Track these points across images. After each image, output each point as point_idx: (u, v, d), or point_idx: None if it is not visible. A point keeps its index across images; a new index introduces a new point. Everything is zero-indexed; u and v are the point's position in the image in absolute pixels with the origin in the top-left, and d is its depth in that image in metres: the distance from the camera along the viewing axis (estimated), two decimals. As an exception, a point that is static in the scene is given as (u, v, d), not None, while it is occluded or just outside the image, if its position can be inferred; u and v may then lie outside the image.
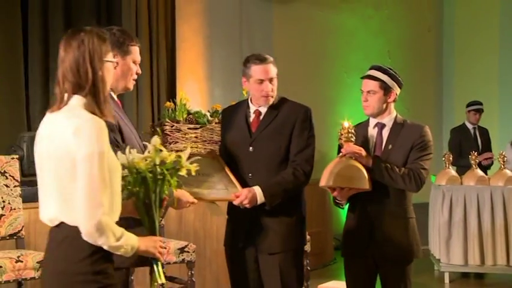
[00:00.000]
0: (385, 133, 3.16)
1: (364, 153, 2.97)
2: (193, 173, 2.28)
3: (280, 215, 3.00)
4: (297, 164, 3.02)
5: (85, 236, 2.00)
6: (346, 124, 2.98)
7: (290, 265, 3.04)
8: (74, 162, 2.00)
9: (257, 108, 3.05)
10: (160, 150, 2.21)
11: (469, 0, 9.06)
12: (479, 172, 6.02)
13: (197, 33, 7.39)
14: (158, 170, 2.17)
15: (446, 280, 5.86)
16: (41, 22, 6.79)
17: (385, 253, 3.08)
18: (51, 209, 2.07)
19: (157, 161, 2.17)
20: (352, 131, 2.98)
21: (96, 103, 2.06)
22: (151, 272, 2.23)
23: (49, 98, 7.35)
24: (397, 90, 3.21)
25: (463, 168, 6.31)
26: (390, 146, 3.12)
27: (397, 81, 3.21)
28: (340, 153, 2.99)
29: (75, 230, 2.01)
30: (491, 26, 8.76)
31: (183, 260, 4.25)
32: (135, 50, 2.69)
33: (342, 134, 2.99)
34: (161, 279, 2.23)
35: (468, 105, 6.99)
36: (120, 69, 2.64)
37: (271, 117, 3.02)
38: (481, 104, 6.95)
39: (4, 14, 6.54)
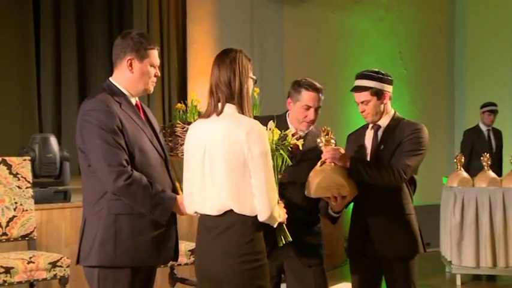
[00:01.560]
0: (380, 134, 3.15)
1: (341, 151, 2.93)
2: (300, 148, 2.75)
3: (313, 228, 3.04)
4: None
5: (264, 219, 2.45)
6: (325, 128, 2.97)
7: (323, 277, 3.10)
8: (246, 160, 2.40)
9: (296, 130, 3.07)
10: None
11: (481, 1, 9.01)
12: (491, 174, 5.99)
13: (208, 35, 7.41)
14: (273, 146, 2.65)
15: (458, 282, 5.83)
16: (53, 26, 6.85)
17: (383, 251, 3.07)
18: (221, 200, 2.44)
19: (275, 139, 2.67)
20: (332, 135, 2.95)
21: (242, 110, 2.49)
22: (279, 234, 2.68)
23: (60, 101, 7.41)
24: (388, 89, 3.18)
25: (476, 169, 6.28)
26: (382, 147, 3.09)
27: (386, 81, 3.17)
28: (320, 160, 2.94)
29: (242, 218, 2.43)
30: (504, 27, 8.70)
31: (194, 261, 4.25)
32: (153, 54, 2.70)
33: (320, 139, 2.96)
34: (289, 238, 2.70)
35: (483, 106, 6.96)
36: (138, 72, 2.66)
37: (313, 143, 3.05)
38: (495, 105, 6.92)
39: (17, 19, 6.61)
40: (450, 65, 9.17)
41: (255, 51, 6.99)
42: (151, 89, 2.76)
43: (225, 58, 2.54)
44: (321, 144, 2.95)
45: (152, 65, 2.70)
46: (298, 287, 2.98)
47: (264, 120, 3.12)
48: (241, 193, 2.43)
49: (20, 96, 6.62)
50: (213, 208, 2.47)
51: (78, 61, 7.44)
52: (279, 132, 2.70)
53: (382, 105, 3.14)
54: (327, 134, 2.93)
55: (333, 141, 2.95)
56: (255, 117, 3.23)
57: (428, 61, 8.93)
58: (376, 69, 3.21)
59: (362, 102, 3.17)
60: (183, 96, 7.06)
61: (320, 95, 3.09)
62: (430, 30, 8.99)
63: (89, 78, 7.98)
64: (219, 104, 2.51)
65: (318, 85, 3.12)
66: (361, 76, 3.19)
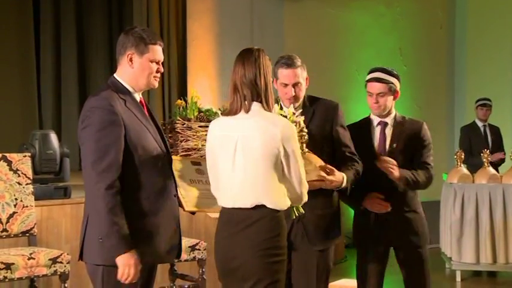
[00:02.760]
0: (388, 131, 3.32)
1: (396, 173, 3.12)
2: (302, 124, 2.82)
3: (321, 209, 3.00)
4: (354, 158, 3.08)
5: (301, 203, 2.67)
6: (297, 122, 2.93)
7: (329, 260, 3.07)
8: (278, 156, 2.52)
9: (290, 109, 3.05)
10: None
11: (482, -3, 9.00)
12: (491, 170, 5.99)
13: (208, 31, 7.40)
14: None
15: (458, 278, 5.84)
16: (53, 23, 6.84)
17: (400, 240, 3.30)
18: (254, 194, 2.54)
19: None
20: (304, 129, 2.90)
21: (268, 107, 2.59)
22: (292, 208, 2.74)
23: (60, 97, 7.41)
24: (399, 89, 3.40)
25: (473, 166, 6.28)
26: (395, 145, 3.27)
27: (399, 81, 3.40)
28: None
29: (272, 212, 2.54)
30: (504, 23, 8.70)
31: (194, 257, 4.27)
32: (154, 49, 2.69)
33: None
34: (301, 209, 2.76)
35: (476, 101, 6.96)
36: (138, 67, 2.66)
37: (309, 119, 3.02)
38: (489, 100, 6.91)
39: (16, 15, 6.60)
40: (450, 61, 9.16)
41: (254, 46, 6.98)
42: (156, 84, 2.74)
43: (250, 56, 2.63)
44: None
45: (153, 60, 2.69)
46: (301, 269, 2.97)
47: None
48: (274, 188, 2.54)
49: (20, 93, 6.62)
50: (246, 202, 2.56)
51: (78, 57, 7.43)
52: (281, 112, 2.79)
53: (392, 102, 3.34)
54: (301, 130, 2.90)
55: (305, 134, 2.89)
56: None
57: (428, 57, 8.92)
58: (391, 68, 3.37)
59: (378, 94, 3.31)
60: (183, 92, 7.05)
61: (297, 70, 3.03)
62: (431, 26, 8.98)
63: (89, 74, 7.97)
64: (246, 102, 2.59)
65: (296, 60, 3.06)
66: (382, 70, 3.36)
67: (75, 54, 7.30)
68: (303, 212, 2.79)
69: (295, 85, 3.03)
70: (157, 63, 2.71)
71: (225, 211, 2.63)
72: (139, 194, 2.60)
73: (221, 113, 4.69)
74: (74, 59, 7.32)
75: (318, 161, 2.87)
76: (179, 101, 5.73)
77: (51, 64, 6.89)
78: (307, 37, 7.74)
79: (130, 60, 2.66)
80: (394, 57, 8.63)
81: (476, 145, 6.62)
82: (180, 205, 2.78)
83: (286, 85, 3.03)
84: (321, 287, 3.02)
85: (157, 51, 2.70)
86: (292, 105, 3.00)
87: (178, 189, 2.77)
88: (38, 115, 6.68)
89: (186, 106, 5.64)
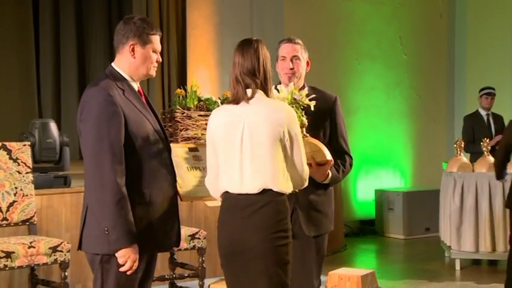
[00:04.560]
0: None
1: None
2: (312, 108, 2.84)
3: (323, 196, 3.00)
4: (347, 153, 3.06)
5: (302, 187, 2.72)
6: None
7: (324, 248, 3.08)
8: (283, 140, 2.59)
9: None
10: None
11: (482, -15, 8.96)
12: (491, 159, 5.99)
13: (208, 20, 7.38)
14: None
15: (457, 267, 5.86)
16: (52, 13, 6.82)
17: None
18: (262, 179, 2.59)
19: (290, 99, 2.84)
20: (304, 117, 2.89)
21: (268, 95, 2.67)
22: None
23: (60, 86, 7.40)
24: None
25: (476, 155, 6.28)
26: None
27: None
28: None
29: (279, 195, 2.60)
30: (504, 12, 8.66)
31: (194, 246, 4.28)
32: (155, 39, 2.70)
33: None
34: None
35: (480, 91, 6.95)
36: (140, 57, 2.66)
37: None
38: (493, 88, 6.90)
39: (16, 4, 6.57)
40: (450, 50, 9.14)
41: (254, 36, 6.95)
42: (154, 74, 2.75)
43: (249, 47, 2.70)
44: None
45: (154, 51, 2.70)
46: (298, 256, 2.97)
47: None
48: (280, 171, 2.60)
49: (19, 82, 6.61)
50: (253, 187, 2.60)
51: (78, 46, 7.42)
52: (296, 90, 2.84)
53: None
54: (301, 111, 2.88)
55: (304, 119, 2.88)
56: None
57: (428, 46, 8.90)
58: None
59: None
60: (182, 81, 7.04)
61: (296, 45, 3.06)
62: (431, 15, 8.95)
63: (89, 63, 7.95)
64: (248, 91, 2.65)
65: (297, 39, 3.12)
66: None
67: (75, 43, 7.28)
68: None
69: (293, 59, 3.03)
70: (157, 53, 2.72)
71: (230, 196, 2.64)
72: (139, 184, 2.60)
73: (221, 102, 4.69)
74: (74, 48, 7.30)
75: (316, 147, 2.85)
76: (179, 90, 5.72)
77: (51, 53, 6.87)
78: (307, 26, 7.71)
79: (133, 50, 2.65)
80: (394, 46, 8.60)
81: (479, 134, 6.61)
82: (177, 193, 2.77)
83: (284, 58, 3.03)
84: (316, 272, 3.03)
85: (157, 41, 2.72)
86: (292, 83, 2.98)
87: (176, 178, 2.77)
88: (37, 104, 6.68)
89: (186, 95, 5.63)
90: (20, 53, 6.60)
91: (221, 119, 2.68)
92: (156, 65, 2.73)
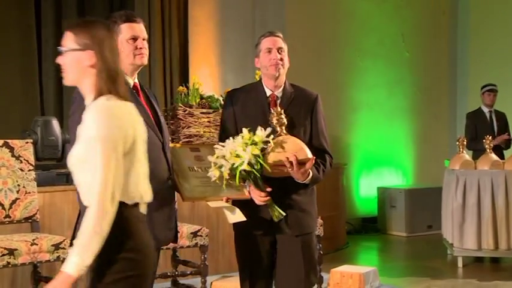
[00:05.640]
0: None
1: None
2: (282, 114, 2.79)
3: (304, 196, 2.98)
4: (327, 152, 3.02)
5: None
6: (278, 109, 2.87)
7: (313, 246, 3.06)
8: None
9: (273, 92, 3.02)
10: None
11: (485, -18, 8.94)
12: (494, 156, 5.98)
13: (210, 18, 7.37)
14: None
15: (460, 264, 5.85)
16: (55, 10, 6.81)
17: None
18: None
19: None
20: (283, 115, 2.86)
21: None
22: (272, 210, 2.80)
23: (62, 84, 7.40)
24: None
25: (479, 152, 6.27)
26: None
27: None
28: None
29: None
30: (507, 9, 8.64)
31: (196, 244, 4.28)
32: (126, 28, 2.66)
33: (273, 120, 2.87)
34: (282, 213, 2.81)
35: (482, 87, 6.94)
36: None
37: (288, 102, 2.99)
38: (495, 85, 6.90)
39: (18, 3, 6.57)
40: (453, 47, 9.12)
41: (256, 33, 6.95)
42: (143, 61, 2.70)
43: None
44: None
45: (129, 39, 2.66)
46: (287, 257, 2.96)
47: (237, 94, 3.06)
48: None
49: (21, 79, 6.60)
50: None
51: (80, 44, 7.43)
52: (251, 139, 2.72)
53: None
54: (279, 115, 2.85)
55: (283, 118, 2.84)
56: (231, 91, 3.19)
57: (430, 43, 8.88)
58: None
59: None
60: (184, 79, 7.03)
61: (278, 38, 3.01)
62: (433, 12, 8.93)
63: (91, 60, 7.95)
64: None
65: (276, 31, 3.06)
66: None
67: (77, 40, 7.28)
68: (284, 214, 2.81)
69: (279, 50, 2.98)
70: (135, 40, 2.67)
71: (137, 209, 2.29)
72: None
73: (223, 100, 4.60)
74: (76, 46, 7.31)
75: (298, 145, 2.79)
76: (181, 88, 5.72)
77: (53, 50, 6.86)
78: (309, 23, 7.71)
79: None
80: (396, 44, 8.59)
81: (482, 131, 6.61)
82: (179, 192, 2.76)
83: (270, 50, 2.97)
84: (310, 273, 3.01)
85: (130, 29, 2.66)
86: (267, 88, 2.97)
87: (176, 177, 2.75)
88: (39, 101, 6.67)
89: (188, 92, 5.63)
90: (22, 50, 6.59)
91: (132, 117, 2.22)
92: (141, 52, 2.68)
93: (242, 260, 3.04)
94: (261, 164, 2.71)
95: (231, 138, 2.77)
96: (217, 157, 2.73)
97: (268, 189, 2.79)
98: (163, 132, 2.72)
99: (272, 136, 2.77)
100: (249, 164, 2.70)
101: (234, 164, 2.70)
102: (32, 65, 6.67)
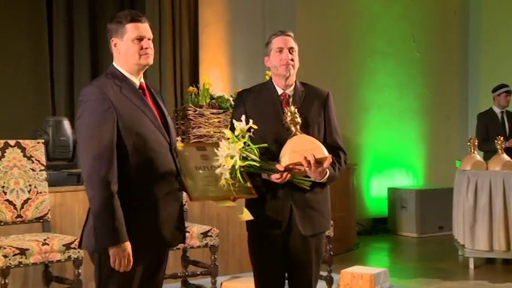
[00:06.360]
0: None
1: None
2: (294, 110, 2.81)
3: (319, 195, 2.97)
4: (341, 148, 3.02)
5: None
6: (292, 108, 2.87)
7: (321, 245, 3.06)
8: None
9: (284, 91, 3.02)
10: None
11: (496, -18, 8.89)
12: (505, 157, 5.95)
13: (220, 18, 7.38)
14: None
15: (471, 266, 5.82)
16: (66, 12, 6.85)
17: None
18: None
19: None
20: (297, 114, 2.85)
21: None
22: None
23: (73, 84, 7.44)
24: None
25: (490, 153, 6.24)
26: None
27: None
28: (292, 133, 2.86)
29: None
30: (519, 9, 8.59)
31: (206, 244, 4.28)
32: (132, 27, 2.64)
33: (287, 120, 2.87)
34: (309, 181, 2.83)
35: (498, 88, 6.88)
36: (123, 51, 2.64)
37: (300, 100, 2.98)
38: (508, 86, 6.88)
39: (30, 3, 6.61)
40: (464, 48, 9.08)
41: (266, 33, 6.95)
42: (148, 61, 2.67)
43: None
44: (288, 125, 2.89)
45: (135, 39, 2.64)
46: (301, 257, 2.95)
47: (249, 94, 3.06)
48: None
49: (33, 79, 6.64)
50: None
51: (91, 44, 7.45)
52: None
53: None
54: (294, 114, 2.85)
55: (297, 117, 2.85)
56: (241, 91, 3.19)
57: (441, 43, 8.85)
58: None
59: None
60: (195, 79, 7.04)
61: (289, 37, 3.00)
62: (444, 12, 8.89)
63: (102, 61, 7.99)
64: None
65: (287, 30, 3.04)
66: None
67: (88, 40, 7.31)
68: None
69: (290, 50, 2.97)
70: (141, 40, 2.65)
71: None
72: (136, 180, 2.57)
73: (233, 100, 4.61)
74: (87, 46, 7.33)
75: (314, 144, 2.80)
76: (191, 88, 5.73)
77: (64, 51, 6.91)
78: (319, 24, 7.70)
79: (115, 46, 2.66)
80: (407, 44, 8.56)
81: (493, 132, 6.58)
82: (186, 192, 2.76)
83: (281, 49, 2.96)
84: (315, 271, 3.01)
85: (136, 28, 2.64)
86: (279, 88, 2.97)
87: (183, 178, 2.73)
88: (51, 102, 6.71)
89: (198, 93, 5.64)
90: (33, 51, 6.63)
91: None
92: (147, 51, 2.65)
93: (256, 260, 3.03)
94: (254, 153, 2.73)
95: (221, 144, 2.77)
96: (218, 167, 2.75)
97: (280, 168, 2.77)
98: (170, 132, 2.71)
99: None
100: (243, 158, 2.71)
101: (230, 166, 2.71)
102: (44, 66, 6.71)
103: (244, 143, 2.74)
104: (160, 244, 2.68)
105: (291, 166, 2.77)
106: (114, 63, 2.70)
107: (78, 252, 3.76)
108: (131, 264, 2.52)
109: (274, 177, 2.80)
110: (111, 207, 2.48)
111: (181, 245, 3.64)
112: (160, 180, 2.63)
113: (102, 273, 2.58)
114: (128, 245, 2.50)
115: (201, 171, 2.81)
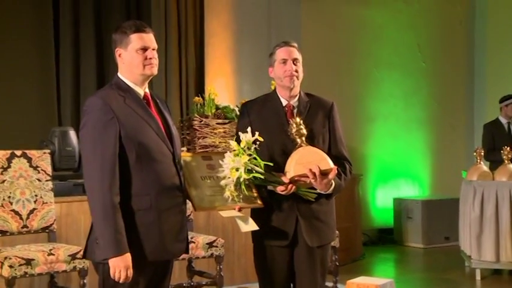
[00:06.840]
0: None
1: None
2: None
3: (325, 206, 2.98)
4: (347, 159, 3.02)
5: None
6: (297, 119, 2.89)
7: (327, 257, 3.06)
8: None
9: (288, 102, 3.02)
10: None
11: (502, -8, 8.89)
12: (512, 167, 5.93)
13: (226, 28, 7.40)
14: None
15: (478, 277, 5.79)
16: (72, 22, 6.88)
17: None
18: None
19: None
20: (302, 126, 2.87)
21: None
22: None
23: (79, 94, 7.48)
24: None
25: (496, 163, 6.22)
26: None
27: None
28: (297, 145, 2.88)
29: None
30: (525, 19, 8.59)
31: (212, 254, 4.28)
32: (137, 37, 2.65)
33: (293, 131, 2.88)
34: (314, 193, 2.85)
35: (506, 99, 6.87)
36: (128, 61, 2.66)
37: (305, 111, 2.99)
38: None
39: (35, 11, 6.65)
40: (470, 58, 9.07)
41: (272, 44, 6.96)
42: (153, 72, 2.68)
43: None
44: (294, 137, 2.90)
45: (139, 49, 2.64)
46: (307, 268, 2.94)
47: (253, 105, 3.06)
48: None
49: (39, 90, 6.67)
50: None
51: (97, 54, 7.49)
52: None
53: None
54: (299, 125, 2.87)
55: (303, 128, 2.86)
56: (246, 102, 3.20)
57: (447, 54, 8.84)
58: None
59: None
60: (200, 89, 7.06)
61: (293, 48, 3.01)
62: (450, 22, 8.89)
63: (108, 71, 8.02)
64: None
65: (291, 41, 3.06)
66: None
67: (94, 51, 7.34)
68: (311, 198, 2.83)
69: (294, 61, 2.98)
70: (145, 50, 2.65)
71: None
72: (139, 190, 2.57)
73: (238, 111, 4.62)
74: (93, 56, 7.37)
75: (320, 155, 2.81)
76: (197, 98, 5.74)
77: (71, 60, 6.94)
78: (324, 34, 7.71)
79: (120, 56, 2.67)
80: (412, 54, 8.56)
81: (499, 142, 6.56)
82: (191, 202, 2.76)
83: (285, 61, 2.97)
84: (321, 282, 3.01)
85: (140, 39, 2.65)
86: (283, 99, 2.98)
87: (188, 188, 2.74)
88: (57, 112, 6.73)
89: (204, 103, 5.65)
90: (40, 61, 6.66)
91: None
92: (151, 62, 2.66)
93: (261, 271, 3.03)
94: (260, 166, 2.75)
95: (226, 155, 2.77)
96: (223, 178, 2.76)
97: (286, 180, 2.79)
98: (174, 143, 2.71)
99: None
100: (248, 171, 2.72)
101: (235, 179, 2.72)
102: (50, 76, 6.73)
103: (250, 155, 2.75)
104: (163, 255, 2.68)
105: (296, 178, 2.78)
106: (118, 74, 2.71)
107: (84, 262, 3.76)
108: (131, 275, 2.52)
109: (280, 189, 2.81)
110: (112, 218, 2.48)
111: (186, 255, 3.64)
112: (163, 191, 2.63)
113: (107, 284, 2.58)
114: (128, 257, 2.51)
115: (208, 180, 2.81)
